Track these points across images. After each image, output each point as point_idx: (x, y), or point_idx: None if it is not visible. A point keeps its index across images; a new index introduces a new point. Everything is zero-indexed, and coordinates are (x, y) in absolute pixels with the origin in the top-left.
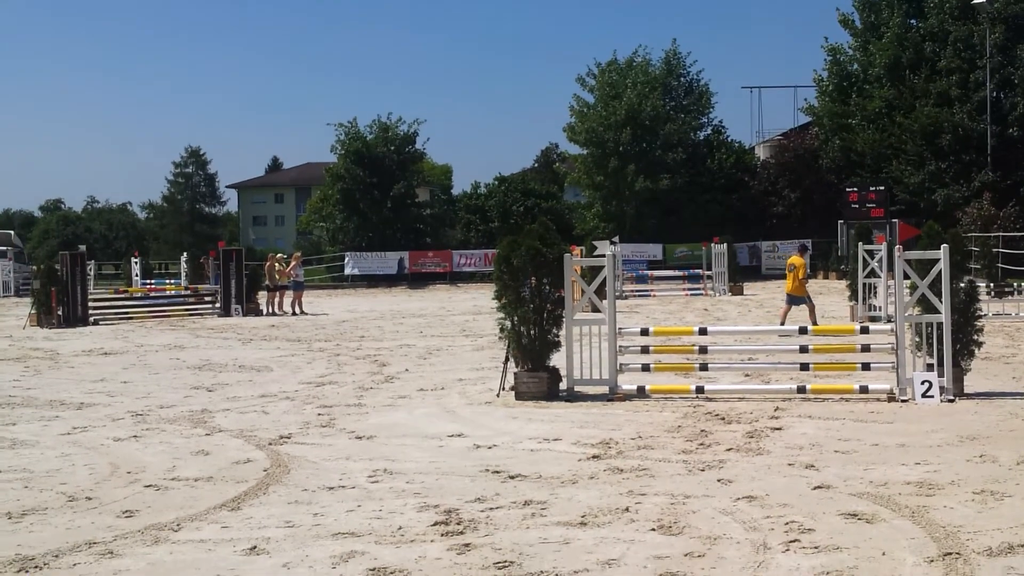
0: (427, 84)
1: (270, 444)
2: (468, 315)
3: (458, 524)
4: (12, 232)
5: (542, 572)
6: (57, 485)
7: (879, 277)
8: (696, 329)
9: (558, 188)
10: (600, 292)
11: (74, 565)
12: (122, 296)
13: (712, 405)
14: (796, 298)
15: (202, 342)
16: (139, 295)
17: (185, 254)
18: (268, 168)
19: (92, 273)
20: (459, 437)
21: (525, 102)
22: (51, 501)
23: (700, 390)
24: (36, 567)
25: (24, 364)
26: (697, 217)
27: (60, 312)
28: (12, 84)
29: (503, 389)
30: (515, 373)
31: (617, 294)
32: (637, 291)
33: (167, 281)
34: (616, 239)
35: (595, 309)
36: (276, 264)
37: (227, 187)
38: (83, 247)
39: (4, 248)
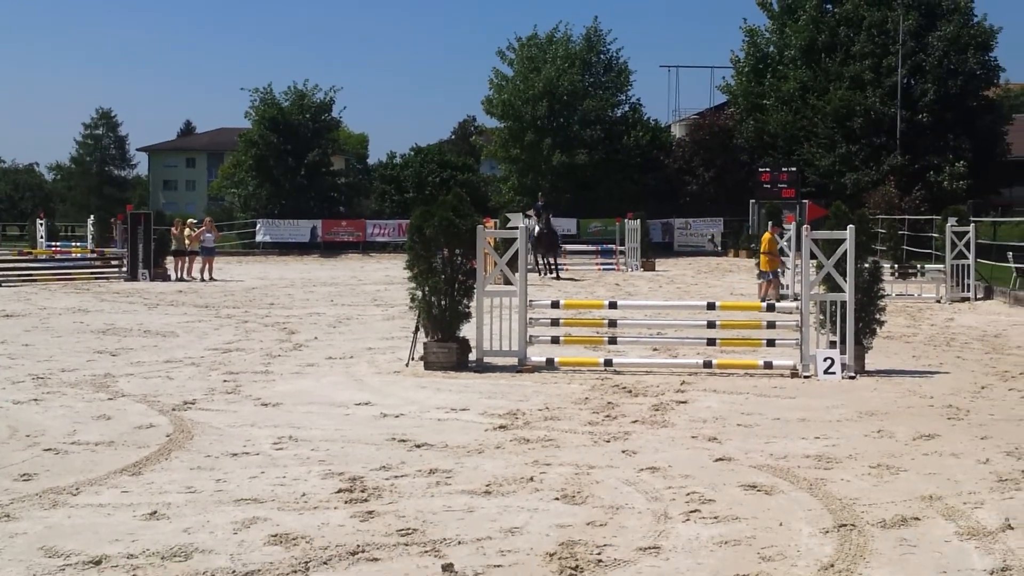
0: (345, 52)
1: (174, 410)
2: (380, 285)
3: (362, 492)
4: None
5: (445, 540)
6: None
7: (787, 256)
8: (606, 303)
9: (475, 160)
10: (512, 264)
11: None
12: (26, 258)
13: (620, 378)
14: (765, 273)
15: (107, 306)
16: (44, 257)
17: (92, 217)
18: (180, 132)
19: None
20: (366, 406)
21: (444, 74)
22: None
23: (608, 363)
24: None
25: None
26: (612, 193)
27: None
28: None
29: (412, 359)
30: (425, 343)
31: (529, 267)
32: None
33: (73, 244)
34: (531, 212)
35: (507, 281)
36: (185, 229)
37: (138, 150)
38: None
39: None
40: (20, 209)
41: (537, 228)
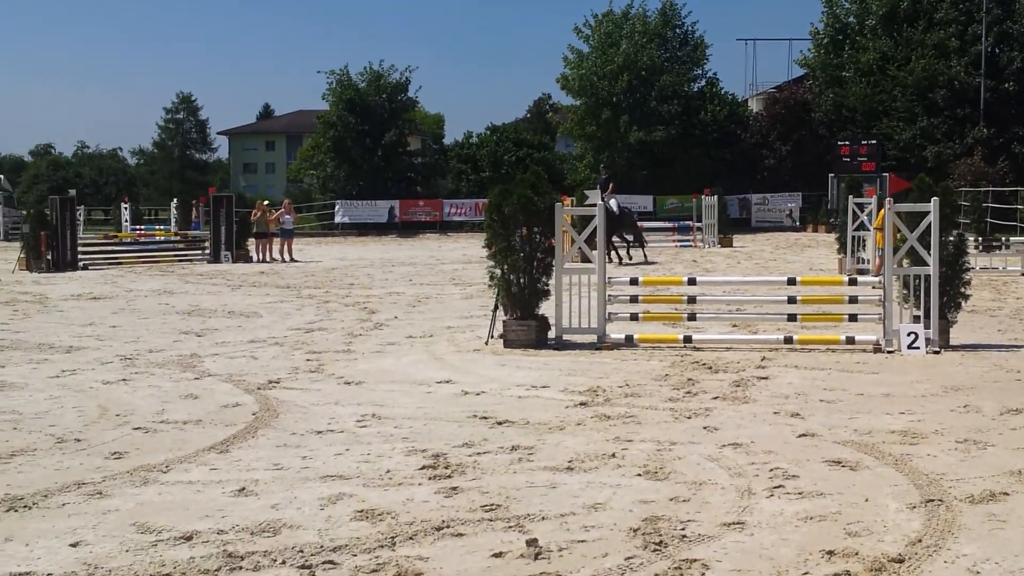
0: (421, 32)
1: (259, 388)
2: (458, 264)
3: (446, 468)
4: (2, 176)
5: (528, 515)
6: (46, 427)
7: (868, 230)
8: (685, 279)
9: (550, 139)
10: (590, 242)
11: (63, 504)
12: (111, 241)
13: (699, 354)
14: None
15: (191, 288)
16: (128, 240)
17: (175, 200)
18: (259, 115)
19: (82, 218)
20: (447, 383)
21: (519, 52)
22: (40, 443)
23: (688, 339)
24: (25, 506)
25: (13, 308)
26: (688, 169)
27: (49, 256)
28: (2, 28)
29: (492, 337)
30: (504, 321)
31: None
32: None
33: (156, 227)
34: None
35: (585, 259)
36: (265, 212)
37: (218, 134)
38: (73, 192)
39: None
40: (104, 194)
41: (614, 204)
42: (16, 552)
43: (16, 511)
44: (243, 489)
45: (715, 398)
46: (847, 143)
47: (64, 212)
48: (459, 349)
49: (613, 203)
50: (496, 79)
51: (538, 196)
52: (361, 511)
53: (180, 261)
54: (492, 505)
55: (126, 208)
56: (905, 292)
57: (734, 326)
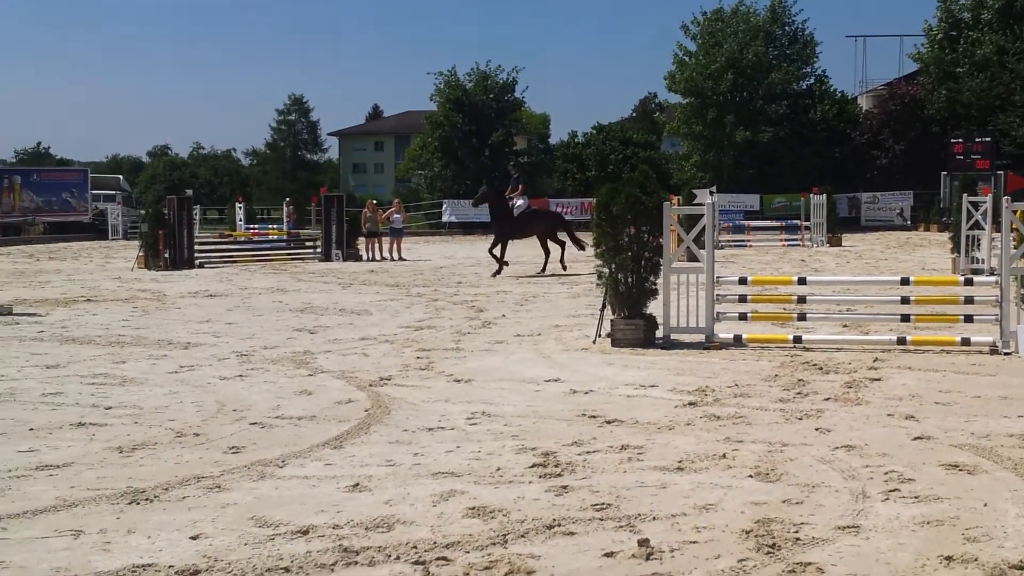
0: (527, 32)
1: (371, 385)
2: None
3: (556, 467)
4: (121, 177)
5: (639, 515)
6: (166, 421)
7: (983, 229)
8: (795, 279)
9: (656, 138)
10: (698, 241)
11: (183, 498)
12: (226, 240)
13: (809, 355)
14: None
15: (303, 286)
16: (242, 239)
17: (288, 200)
18: (369, 116)
19: (198, 217)
20: (556, 382)
21: (625, 51)
22: (160, 436)
23: (798, 340)
24: (147, 499)
25: (133, 305)
26: (796, 168)
27: (167, 255)
28: (120, 33)
29: (599, 336)
30: (611, 320)
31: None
32: (734, 241)
33: (270, 226)
34: (714, 188)
35: (692, 258)
36: (375, 211)
37: (328, 135)
38: (190, 191)
39: (113, 192)
40: (219, 193)
41: (523, 204)
42: (139, 544)
43: (138, 503)
44: (357, 485)
45: (827, 399)
46: (960, 140)
47: (181, 211)
48: (567, 348)
49: (522, 203)
50: (602, 78)
51: (646, 195)
52: (473, 508)
53: (292, 259)
54: (603, 504)
55: (240, 207)
56: (1023, 292)
57: (844, 326)
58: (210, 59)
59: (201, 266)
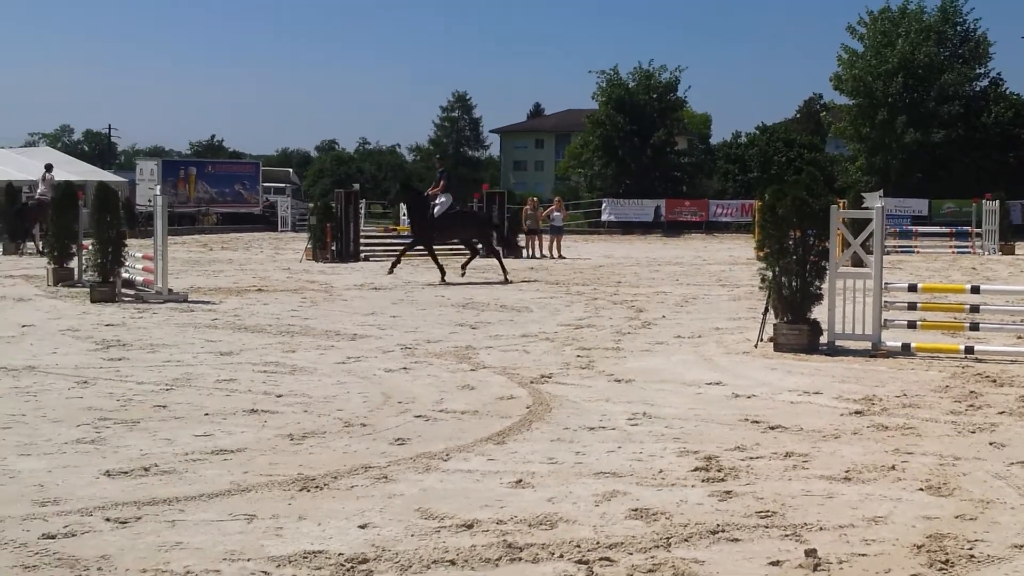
0: (689, 32)
1: (532, 382)
2: (724, 265)
3: (719, 471)
4: (291, 170)
5: (806, 524)
6: (334, 411)
7: None
8: (968, 287)
9: (820, 139)
10: (865, 246)
11: (351, 487)
12: (391, 234)
13: (982, 366)
14: None
15: (465, 281)
16: (406, 234)
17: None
18: (530, 114)
19: (363, 211)
20: (717, 385)
21: (789, 51)
22: (329, 426)
23: (969, 350)
24: (316, 487)
25: (301, 296)
26: (968, 172)
27: (334, 247)
28: (291, 30)
29: (761, 340)
30: (774, 324)
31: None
32: (900, 247)
33: None
34: (882, 192)
35: (859, 262)
36: (536, 208)
37: (490, 132)
38: (357, 186)
39: (283, 185)
40: (383, 188)
41: (446, 201)
42: (309, 531)
43: (308, 491)
44: (520, 481)
45: (1001, 412)
46: None
47: (348, 205)
48: (728, 351)
49: (444, 200)
50: (765, 78)
51: (813, 197)
52: (635, 510)
53: (454, 255)
54: (768, 512)
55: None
56: None
57: (1020, 338)
58: (377, 56)
59: (366, 259)
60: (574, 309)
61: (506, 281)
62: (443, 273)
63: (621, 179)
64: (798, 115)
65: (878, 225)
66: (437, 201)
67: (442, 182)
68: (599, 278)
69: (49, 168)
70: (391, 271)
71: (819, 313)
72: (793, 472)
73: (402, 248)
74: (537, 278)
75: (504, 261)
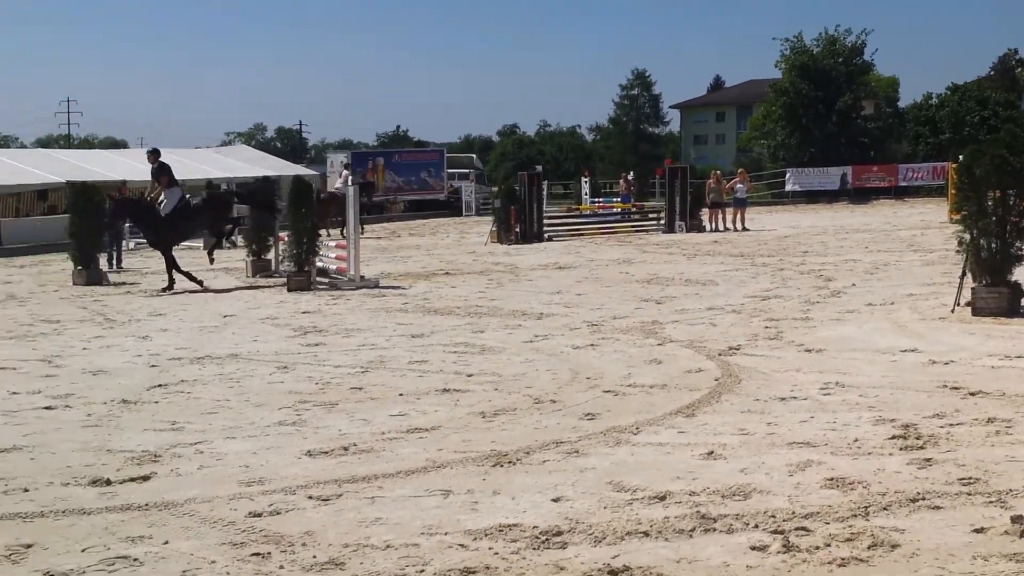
0: None
1: (719, 355)
2: (915, 230)
3: (917, 439)
4: (474, 155)
5: (1011, 491)
6: (523, 388)
7: None
8: None
9: (1016, 96)
10: None
11: (543, 462)
12: (572, 214)
13: None
14: None
15: (648, 257)
16: (588, 213)
17: (631, 173)
18: (710, 87)
19: (545, 192)
20: (912, 352)
21: (979, 6)
22: (519, 403)
23: None
24: (509, 462)
25: (488, 277)
26: None
27: (518, 229)
28: (470, 21)
29: (958, 305)
30: (972, 288)
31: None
32: None
33: (614, 199)
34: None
35: None
36: (720, 182)
37: (670, 107)
38: (539, 168)
39: (467, 171)
40: (564, 169)
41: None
42: (504, 504)
43: (501, 466)
44: (711, 453)
45: None
46: None
47: (531, 187)
48: (922, 317)
49: (170, 197)
50: (955, 36)
51: (1014, 156)
52: (831, 479)
53: (636, 231)
54: (970, 479)
55: (586, 182)
56: None
57: None
58: (556, 39)
59: (550, 239)
60: (760, 281)
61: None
62: (171, 286)
63: (805, 148)
64: (992, 73)
65: None
66: (160, 203)
67: (162, 178)
68: (785, 248)
69: (347, 166)
70: (167, 291)
71: (1020, 275)
72: (996, 438)
73: (167, 268)
74: (720, 251)
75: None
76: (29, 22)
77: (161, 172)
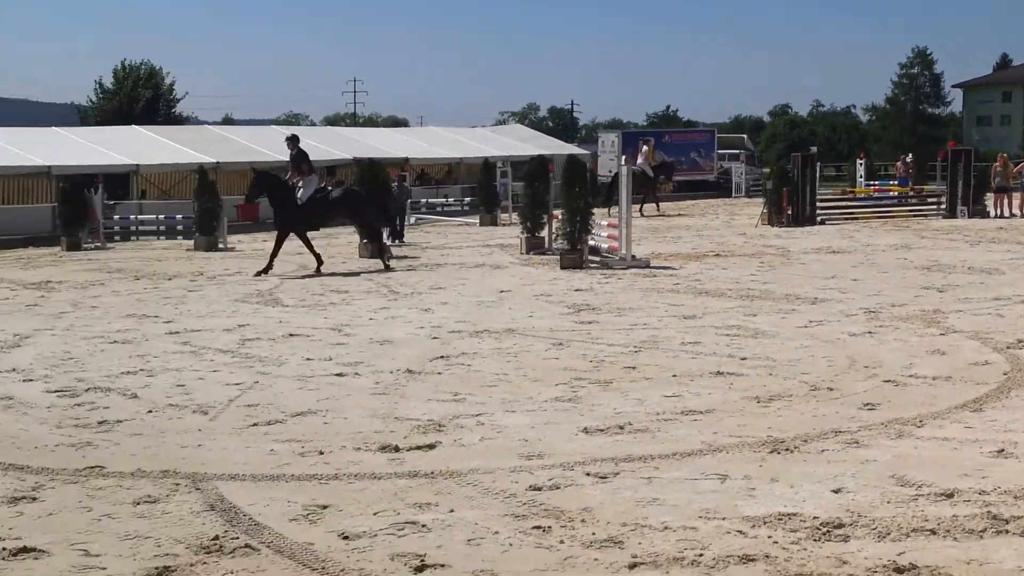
0: None
1: (1008, 348)
2: None
3: None
4: (744, 136)
5: None
6: (798, 374)
7: None
8: None
9: None
10: None
11: (822, 451)
12: (847, 197)
13: None
14: None
15: (928, 243)
16: (862, 196)
17: (910, 156)
18: (996, 66)
19: (818, 175)
20: None
21: None
22: (794, 389)
23: None
24: (787, 449)
25: (759, 260)
26: None
27: (789, 212)
28: None
29: None
30: None
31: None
32: None
33: (891, 182)
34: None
35: None
36: (1007, 165)
37: (952, 87)
38: (814, 149)
39: (737, 152)
40: (837, 150)
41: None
42: (782, 493)
43: (779, 453)
44: (1002, 451)
45: None
46: None
47: (805, 169)
48: None
49: (308, 186)
50: None
51: None
52: None
53: (914, 216)
54: None
55: (861, 164)
56: None
57: None
58: (831, 15)
59: (822, 223)
60: None
61: (386, 268)
62: (269, 267)
63: None
64: None
65: None
66: (299, 188)
67: (301, 166)
68: None
69: (647, 141)
70: (262, 273)
71: None
72: None
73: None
74: (1006, 238)
75: (387, 246)
76: (320, 6)
77: (300, 159)
